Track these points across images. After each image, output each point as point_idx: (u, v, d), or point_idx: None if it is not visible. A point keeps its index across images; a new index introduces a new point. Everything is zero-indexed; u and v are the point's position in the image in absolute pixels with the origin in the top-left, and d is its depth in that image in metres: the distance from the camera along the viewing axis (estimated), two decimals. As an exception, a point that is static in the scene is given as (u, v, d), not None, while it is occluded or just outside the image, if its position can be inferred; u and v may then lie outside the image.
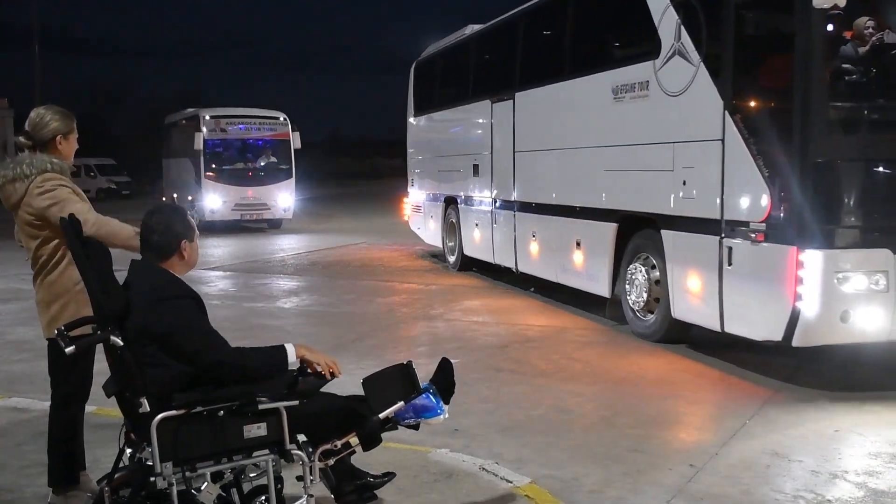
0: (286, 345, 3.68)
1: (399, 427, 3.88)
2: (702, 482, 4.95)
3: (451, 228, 14.73)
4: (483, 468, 5.09)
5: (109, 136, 59.88)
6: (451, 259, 14.87)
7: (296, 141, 24.16)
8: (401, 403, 3.74)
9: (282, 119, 24.48)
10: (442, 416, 3.89)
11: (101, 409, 5.65)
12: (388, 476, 4.07)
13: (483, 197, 12.95)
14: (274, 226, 24.79)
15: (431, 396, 3.86)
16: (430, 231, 16.06)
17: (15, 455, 5.41)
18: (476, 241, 13.43)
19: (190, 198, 24.45)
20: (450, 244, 14.95)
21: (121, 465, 3.61)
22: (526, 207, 11.37)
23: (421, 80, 16.46)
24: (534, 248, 11.16)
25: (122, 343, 3.38)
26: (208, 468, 3.47)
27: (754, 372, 7.38)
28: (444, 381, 4.00)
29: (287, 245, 20.69)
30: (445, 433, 5.66)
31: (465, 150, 13.81)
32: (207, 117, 23.68)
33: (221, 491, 3.69)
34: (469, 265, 14.19)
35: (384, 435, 3.84)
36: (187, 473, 3.37)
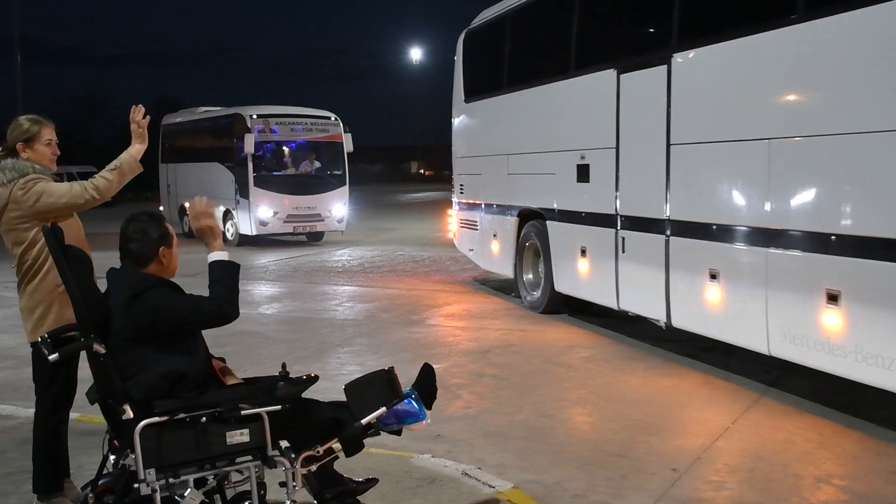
0: (210, 257, 3.72)
1: (381, 433, 3.90)
2: (685, 486, 4.99)
3: (530, 254, 11.05)
4: (466, 473, 5.11)
5: (91, 143, 59.91)
6: (532, 296, 11.02)
7: (348, 143, 21.46)
8: (383, 409, 3.76)
9: (333, 119, 21.62)
10: (424, 422, 3.92)
11: (84, 415, 5.65)
12: (371, 482, 4.09)
13: (597, 211, 9.00)
14: (314, 239, 22.25)
15: (413, 402, 3.88)
16: (491, 255, 12.16)
17: (0, 462, 5.40)
18: (580, 275, 9.52)
19: (224, 208, 21.34)
20: (527, 276, 11.17)
21: (104, 471, 3.61)
22: (695, 231, 7.36)
23: (477, 54, 12.64)
24: (713, 294, 7.11)
25: (104, 350, 3.40)
26: (191, 474, 3.49)
27: (738, 375, 7.44)
28: (426, 386, 4.03)
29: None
30: (428, 438, 5.69)
31: (561, 143, 9.89)
32: (254, 116, 20.57)
33: (205, 497, 3.70)
34: (560, 305, 10.59)
35: (367, 440, 3.87)
36: (170, 480, 3.38)
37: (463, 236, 13.32)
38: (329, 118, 21.59)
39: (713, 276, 7.09)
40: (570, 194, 9.70)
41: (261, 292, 13.52)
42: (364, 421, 3.73)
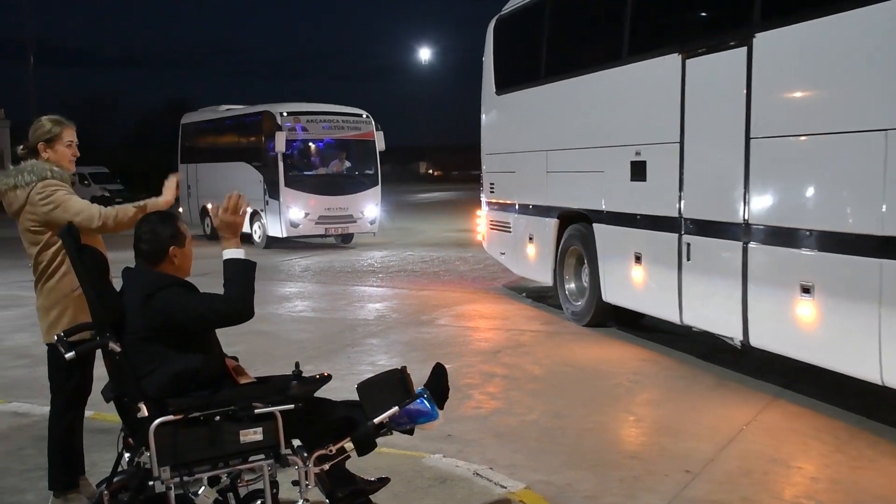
0: (226, 252, 3.65)
1: (394, 432, 3.91)
2: (699, 489, 4.98)
3: (573, 260, 10.18)
4: (477, 473, 5.11)
5: (101, 144, 60.42)
6: (575, 306, 10.13)
7: (380, 142, 20.59)
8: (395, 409, 3.76)
9: (365, 116, 20.73)
10: (437, 421, 3.92)
11: (98, 413, 5.67)
12: (383, 481, 4.09)
13: (656, 213, 8.08)
14: (345, 241, 21.37)
15: (426, 401, 3.88)
16: (526, 260, 11.19)
17: (16, 459, 5.44)
18: (634, 285, 8.59)
19: (252, 209, 20.22)
20: (570, 285, 10.29)
21: (119, 469, 3.63)
22: (782, 237, 6.40)
23: (510, 43, 11.68)
24: (805, 312, 6.20)
25: (119, 349, 3.42)
26: (205, 473, 3.50)
27: (752, 377, 7.42)
28: (439, 386, 4.03)
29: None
30: (439, 438, 5.69)
31: (611, 138, 8.93)
32: (285, 114, 19.66)
33: (218, 495, 3.72)
34: (607, 317, 9.70)
35: (378, 440, 3.87)
36: (185, 478, 3.40)
37: (493, 239, 12.34)
38: (361, 115, 20.73)
39: (806, 291, 6.14)
40: (621, 194, 8.71)
41: (271, 292, 13.54)
42: (377, 420, 3.73)
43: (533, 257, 10.90)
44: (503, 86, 11.69)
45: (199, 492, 3.62)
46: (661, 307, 8.21)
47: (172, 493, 3.38)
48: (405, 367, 3.91)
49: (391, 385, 3.83)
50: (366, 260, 17.93)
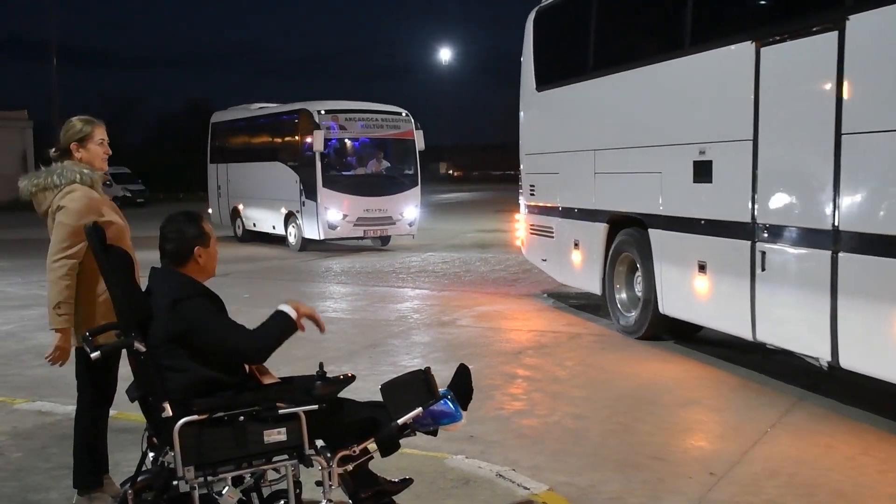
0: (281, 307, 3.69)
1: (417, 433, 3.89)
2: (723, 491, 4.93)
3: (624, 268, 9.39)
4: (500, 475, 5.09)
5: (124, 145, 60.94)
6: (627, 318, 9.32)
7: (420, 141, 19.83)
8: (419, 409, 3.75)
9: (404, 115, 20.04)
10: (460, 423, 3.90)
11: (121, 413, 5.68)
12: (406, 482, 4.08)
13: (724, 218, 7.39)
14: (382, 243, 20.69)
15: (450, 402, 3.87)
16: (571, 267, 10.38)
17: (41, 457, 5.47)
18: (697, 296, 7.87)
19: (286, 211, 20.21)
20: (621, 295, 9.48)
21: (143, 468, 3.64)
22: (884, 247, 5.67)
23: (553, 35, 11.05)
24: None
25: (144, 349, 3.43)
26: (229, 472, 3.50)
27: (776, 379, 7.35)
28: (462, 387, 4.01)
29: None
30: (461, 439, 5.67)
31: (670, 136, 8.24)
32: (322, 112, 18.88)
33: (242, 495, 3.72)
34: (663, 330, 8.94)
35: (401, 441, 3.86)
36: (209, 477, 3.41)
37: (534, 244, 11.45)
38: (400, 114, 20.07)
39: None
40: (682, 197, 8.01)
41: (294, 291, 13.56)
42: (400, 421, 3.72)
43: (578, 264, 10.11)
44: (545, 81, 10.95)
45: (223, 491, 3.63)
46: (730, 322, 7.53)
47: (196, 493, 3.39)
48: (429, 367, 3.89)
49: (415, 386, 3.81)
50: (387, 261, 17.90)
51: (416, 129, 19.83)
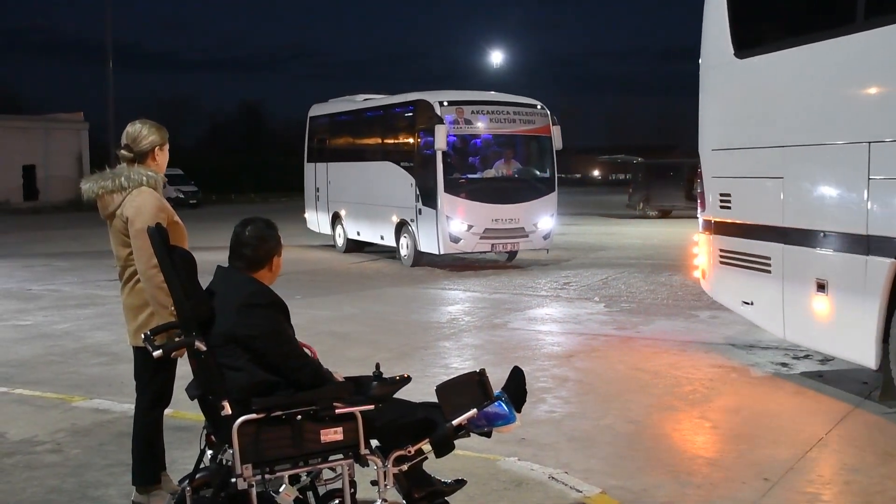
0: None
1: (471, 434, 3.91)
2: (778, 497, 4.87)
3: None
4: (552, 477, 5.08)
5: (178, 146, 61.84)
6: None
7: (557, 139, 16.41)
8: (474, 411, 3.76)
9: (540, 108, 16.64)
10: (514, 425, 3.91)
11: (177, 412, 5.79)
12: (460, 483, 4.09)
13: None
14: (510, 258, 17.32)
15: (503, 404, 3.88)
16: (808, 320, 6.86)
17: (99, 454, 5.59)
18: None
19: (398, 219, 16.96)
20: None
21: (201, 465, 3.70)
22: None
23: None
24: None
25: (205, 348, 3.48)
26: (286, 471, 3.55)
27: (831, 386, 7.22)
28: (516, 389, 4.02)
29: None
30: (513, 442, 5.67)
31: None
32: (446, 104, 15.74)
33: (298, 493, 3.76)
34: None
35: (455, 442, 3.88)
36: (266, 476, 3.45)
37: (728, 280, 8.07)
38: (535, 106, 16.66)
39: None
40: None
41: (348, 291, 13.64)
42: (455, 422, 3.74)
43: (826, 318, 6.65)
44: (751, 45, 7.66)
45: (280, 490, 3.67)
46: None
47: (254, 491, 3.43)
48: (484, 369, 3.91)
49: (470, 387, 3.83)
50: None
51: (554, 124, 16.49)
